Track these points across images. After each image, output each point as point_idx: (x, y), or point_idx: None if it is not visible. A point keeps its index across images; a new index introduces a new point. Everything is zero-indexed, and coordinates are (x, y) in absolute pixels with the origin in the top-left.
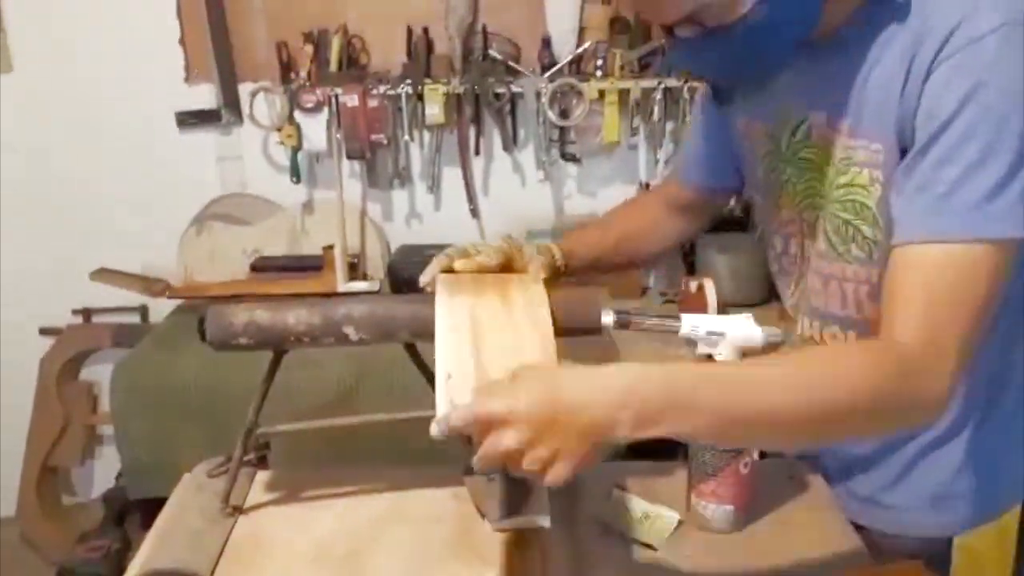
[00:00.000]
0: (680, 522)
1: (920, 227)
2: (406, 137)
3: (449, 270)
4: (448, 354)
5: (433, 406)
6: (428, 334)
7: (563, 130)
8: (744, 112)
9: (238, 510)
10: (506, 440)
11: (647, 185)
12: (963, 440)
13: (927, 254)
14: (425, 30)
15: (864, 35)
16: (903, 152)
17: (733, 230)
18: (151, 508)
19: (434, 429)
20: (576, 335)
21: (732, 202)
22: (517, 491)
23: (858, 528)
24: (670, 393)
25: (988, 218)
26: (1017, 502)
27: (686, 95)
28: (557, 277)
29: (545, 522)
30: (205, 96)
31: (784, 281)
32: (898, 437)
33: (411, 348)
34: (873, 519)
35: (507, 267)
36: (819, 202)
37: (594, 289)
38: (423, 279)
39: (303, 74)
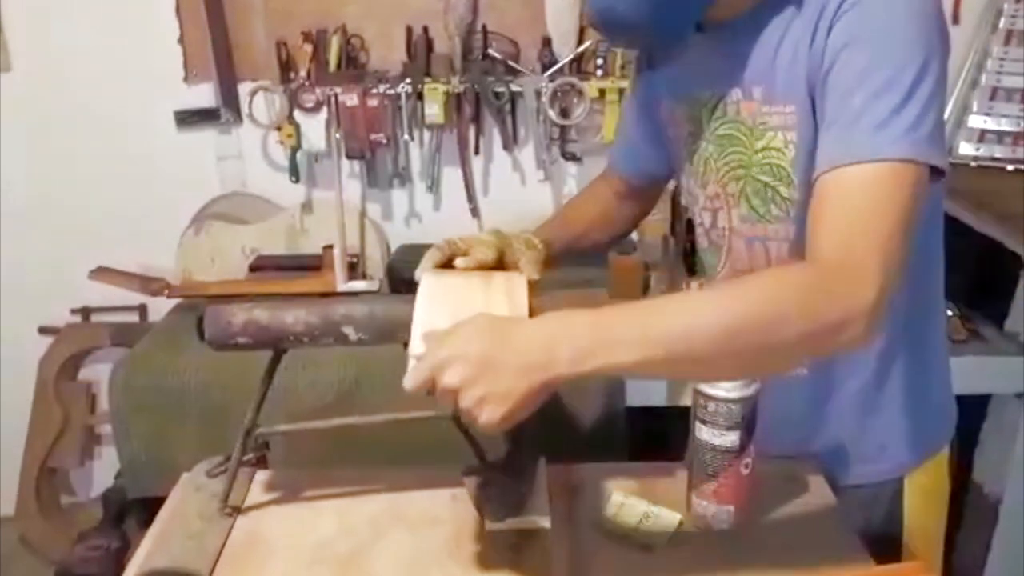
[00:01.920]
0: (680, 522)
1: (831, 157)
2: (406, 136)
3: (447, 264)
4: (422, 316)
5: (432, 407)
6: None
7: (563, 129)
8: (667, 98)
9: (237, 510)
10: (447, 378)
11: None
12: (894, 385)
13: (839, 180)
14: (425, 29)
15: (772, 9)
16: (815, 111)
17: None
18: (150, 508)
19: (405, 384)
20: None
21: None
22: (517, 492)
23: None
24: (596, 328)
25: (890, 139)
26: (948, 438)
27: None
28: (545, 269)
29: (545, 523)
30: (204, 95)
31: (714, 256)
32: (830, 390)
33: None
34: (834, 473)
35: (499, 260)
36: (741, 172)
37: (594, 291)
38: (418, 274)
39: (302, 73)
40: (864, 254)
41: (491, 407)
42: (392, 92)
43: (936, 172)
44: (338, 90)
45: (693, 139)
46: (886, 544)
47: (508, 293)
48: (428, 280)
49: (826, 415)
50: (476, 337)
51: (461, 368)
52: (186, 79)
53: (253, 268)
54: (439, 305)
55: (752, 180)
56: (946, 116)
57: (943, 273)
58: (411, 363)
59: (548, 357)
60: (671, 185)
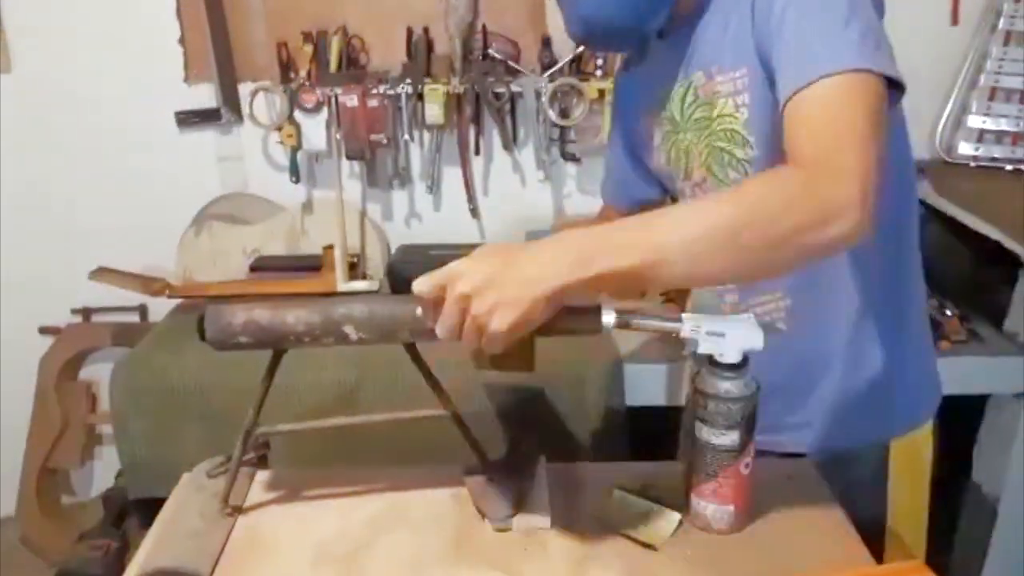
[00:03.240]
0: (680, 521)
1: (790, 84)
2: (406, 137)
3: None
4: None
5: (432, 405)
6: (428, 334)
7: (563, 130)
8: (643, 113)
9: (238, 510)
10: (459, 287)
11: None
12: (875, 346)
13: (802, 101)
14: (425, 30)
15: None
16: (765, 67)
17: None
18: (151, 508)
19: (416, 286)
20: (576, 335)
21: None
22: (518, 491)
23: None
24: (597, 236)
25: (841, 52)
26: (933, 410)
27: None
28: None
29: (545, 522)
30: (205, 96)
31: None
32: (811, 353)
33: (411, 348)
34: (818, 440)
35: None
36: (703, 148)
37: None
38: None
39: (303, 74)
40: (842, 152)
41: (500, 314)
42: (392, 93)
43: (893, 91)
44: (338, 91)
45: (671, 135)
46: (869, 517)
47: None
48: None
49: (808, 380)
50: (486, 255)
51: (471, 279)
52: (187, 79)
53: (254, 268)
54: None
55: (713, 149)
56: (945, 116)
57: (917, 230)
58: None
59: (553, 266)
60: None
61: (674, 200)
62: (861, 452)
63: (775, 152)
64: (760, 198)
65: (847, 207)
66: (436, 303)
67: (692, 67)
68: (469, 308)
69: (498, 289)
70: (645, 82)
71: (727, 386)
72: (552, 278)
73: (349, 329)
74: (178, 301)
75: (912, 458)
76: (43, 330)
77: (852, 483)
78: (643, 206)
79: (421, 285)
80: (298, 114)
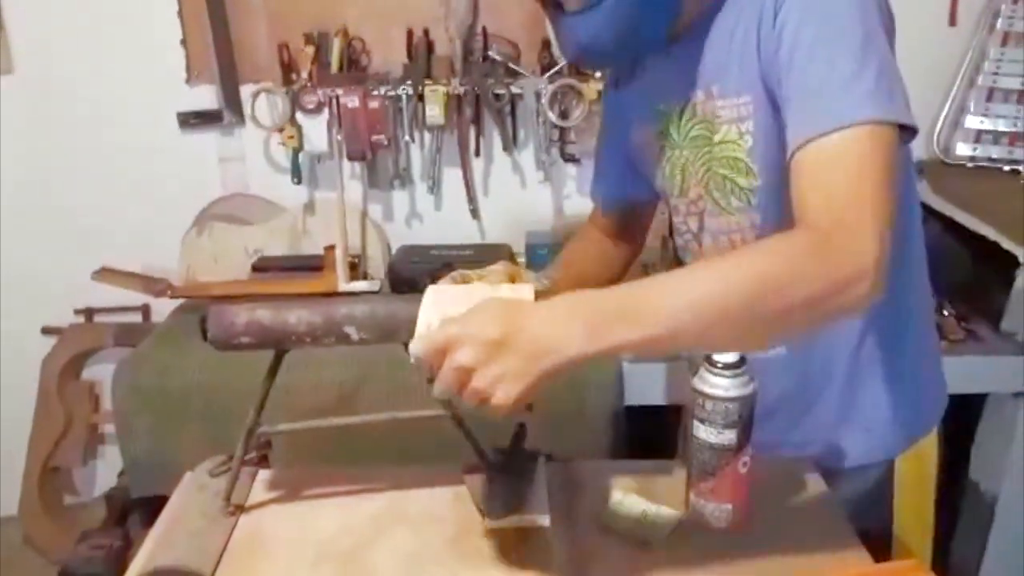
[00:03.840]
0: (679, 520)
1: (801, 132)
2: (406, 138)
3: None
4: (429, 308)
5: (432, 405)
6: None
7: (563, 131)
8: (636, 122)
9: (240, 509)
10: (459, 358)
11: None
12: (876, 359)
13: (814, 153)
14: (426, 31)
15: (721, 8)
16: (771, 97)
17: None
18: (153, 507)
19: (412, 349)
20: None
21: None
22: (517, 490)
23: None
24: (604, 308)
25: (854, 104)
26: (937, 419)
27: None
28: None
29: (545, 521)
30: (206, 97)
31: (689, 258)
32: (813, 369)
33: None
34: (821, 457)
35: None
36: (701, 170)
37: None
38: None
39: (304, 75)
40: (856, 213)
41: (504, 388)
42: (393, 94)
43: (905, 130)
44: (339, 92)
45: (667, 151)
46: (875, 528)
47: (514, 292)
48: (433, 288)
49: (810, 396)
50: (489, 319)
51: (473, 348)
52: (188, 81)
53: (255, 269)
54: (444, 307)
55: (714, 175)
56: (943, 116)
57: (922, 242)
58: (412, 360)
59: (563, 339)
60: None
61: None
62: (866, 466)
63: (778, 181)
64: (774, 267)
65: (862, 273)
66: (433, 369)
67: (691, 85)
68: (469, 380)
69: (502, 362)
70: (640, 95)
71: (725, 384)
72: (561, 351)
73: (350, 329)
74: (180, 301)
75: (918, 466)
76: (46, 330)
77: (857, 496)
78: (636, 207)
79: (417, 348)
80: (299, 115)
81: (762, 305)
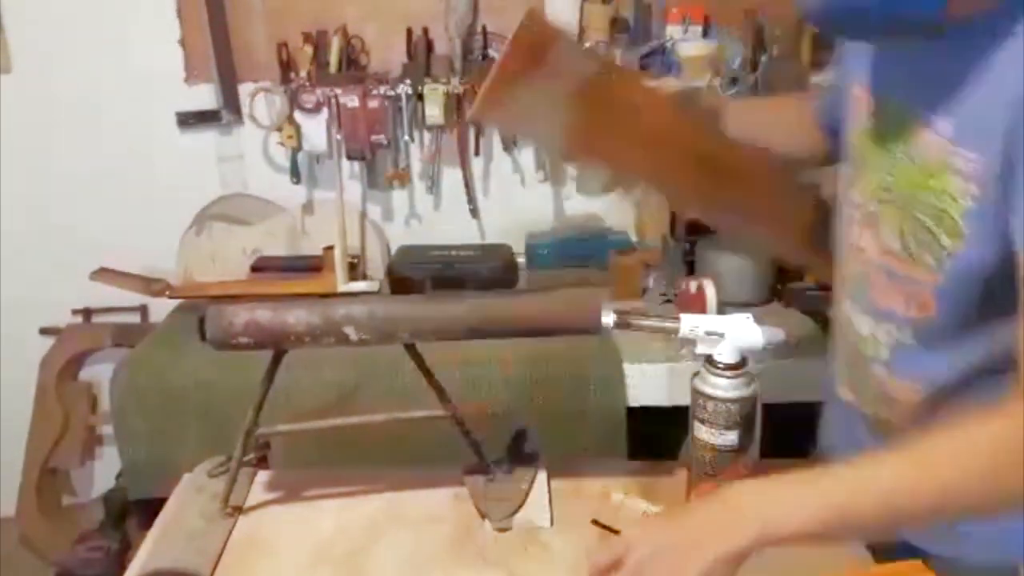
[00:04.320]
0: None
1: None
2: (406, 137)
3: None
4: None
5: (432, 405)
6: (427, 334)
7: None
8: (858, 81)
9: (238, 510)
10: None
11: None
12: None
13: None
14: (425, 30)
15: (997, 40)
16: (1004, 165)
17: None
18: (151, 508)
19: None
20: (576, 335)
21: None
22: (517, 491)
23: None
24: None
25: None
26: None
27: None
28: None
29: (545, 522)
30: (205, 96)
31: (862, 283)
32: None
33: (411, 348)
34: (936, 545)
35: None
36: (898, 198)
37: (594, 290)
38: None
39: (303, 74)
40: None
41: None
42: (392, 93)
43: None
44: (339, 91)
45: (866, 136)
46: None
47: None
48: None
49: None
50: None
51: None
52: (187, 80)
53: (254, 269)
54: None
55: (912, 218)
56: None
57: None
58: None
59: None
60: None
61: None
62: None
63: (982, 255)
64: (991, 474)
65: None
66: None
67: (917, 96)
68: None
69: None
70: (878, 58)
71: (725, 385)
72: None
73: (349, 330)
74: (179, 301)
75: None
76: (44, 330)
77: None
78: (833, 129)
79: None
80: (298, 115)
81: (968, 502)
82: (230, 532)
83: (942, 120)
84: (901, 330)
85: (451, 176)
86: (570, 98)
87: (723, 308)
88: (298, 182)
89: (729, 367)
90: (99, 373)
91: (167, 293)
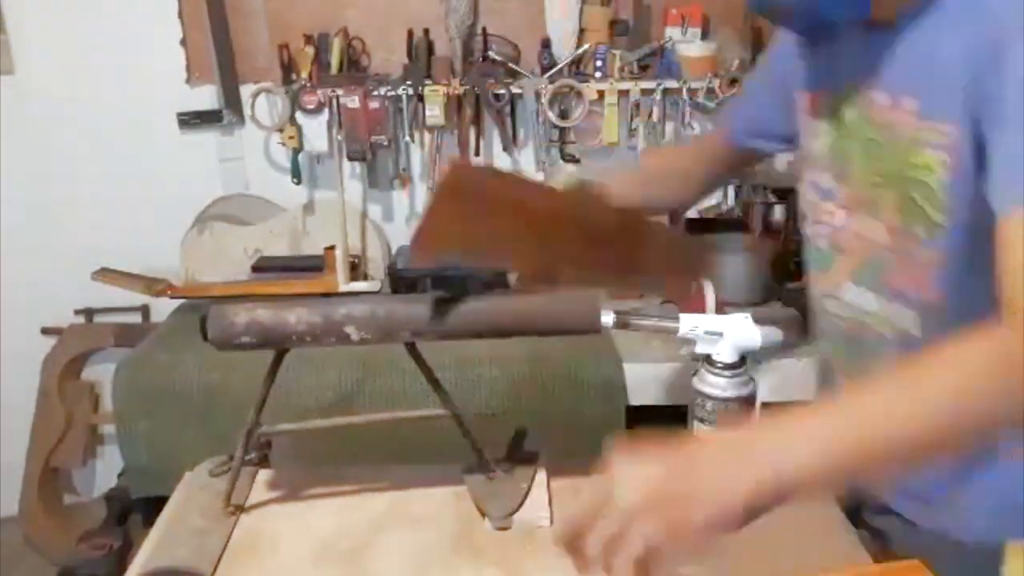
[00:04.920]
0: None
1: (1006, 197)
2: (406, 138)
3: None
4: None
5: (432, 405)
6: (427, 334)
7: (563, 131)
8: (805, 86)
9: (240, 509)
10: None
11: None
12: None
13: (1017, 228)
14: (426, 32)
15: (928, 15)
16: (974, 134)
17: (733, 230)
18: (153, 507)
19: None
20: (576, 335)
21: (732, 201)
22: (518, 490)
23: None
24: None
25: None
26: None
27: (685, 96)
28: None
29: (545, 521)
30: (206, 97)
31: (832, 258)
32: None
33: (412, 348)
34: (931, 520)
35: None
36: (882, 181)
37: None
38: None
39: (304, 75)
40: None
41: (694, 511)
42: (393, 94)
43: None
44: (339, 92)
45: (835, 135)
46: None
47: None
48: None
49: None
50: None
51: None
52: (189, 81)
53: (255, 269)
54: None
55: (901, 195)
56: None
57: None
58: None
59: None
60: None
61: (746, 206)
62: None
63: (965, 229)
64: (988, 384)
65: None
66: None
67: (876, 83)
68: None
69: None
70: (825, 62)
71: (724, 384)
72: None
73: (350, 329)
74: (180, 301)
75: None
76: (46, 330)
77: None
78: (749, 153)
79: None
80: (299, 115)
81: (973, 422)
82: (232, 531)
83: (905, 98)
84: (911, 313)
85: None
86: (493, 219)
87: (722, 308)
88: (299, 182)
89: (728, 367)
90: (101, 373)
91: (169, 293)
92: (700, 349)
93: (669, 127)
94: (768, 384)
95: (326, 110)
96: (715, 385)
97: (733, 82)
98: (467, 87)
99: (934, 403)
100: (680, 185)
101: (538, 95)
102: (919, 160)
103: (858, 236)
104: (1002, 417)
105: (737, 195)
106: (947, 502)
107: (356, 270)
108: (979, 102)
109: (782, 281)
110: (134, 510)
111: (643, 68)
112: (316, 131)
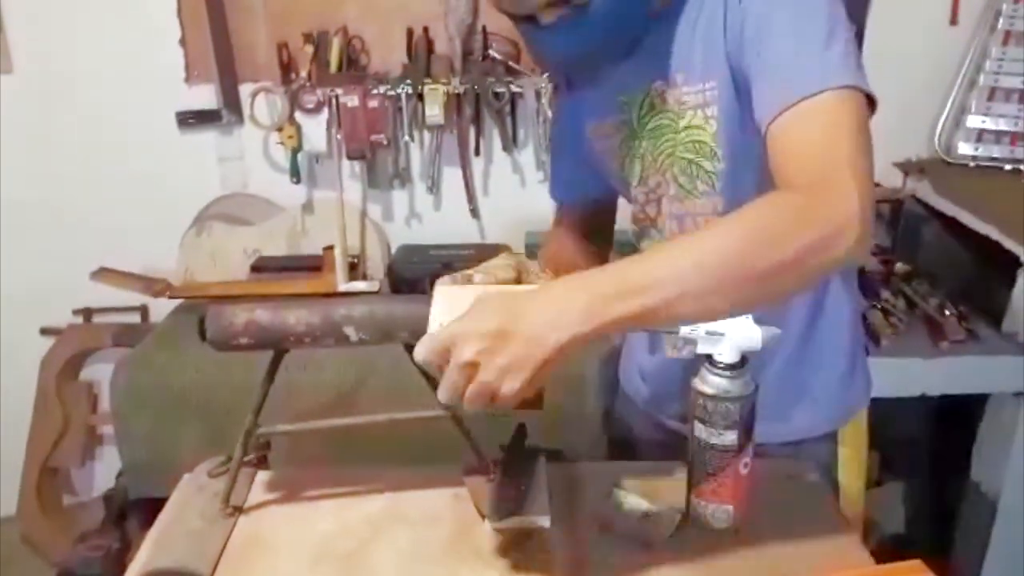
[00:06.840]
0: (679, 521)
1: (775, 103)
2: (406, 137)
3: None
4: (439, 308)
5: (432, 405)
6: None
7: None
8: (591, 117)
9: (238, 510)
10: (462, 354)
11: None
12: (823, 338)
13: (787, 124)
14: (425, 30)
15: (685, 4)
16: (735, 80)
17: None
18: (151, 508)
19: (416, 355)
20: None
21: None
22: (517, 490)
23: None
24: (614, 275)
25: (827, 71)
26: (869, 396)
27: None
28: None
29: (545, 521)
30: (206, 96)
31: (648, 242)
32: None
33: (411, 349)
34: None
35: (517, 280)
36: (664, 159)
37: None
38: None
39: (303, 75)
40: (836, 170)
41: (511, 377)
42: (392, 93)
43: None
44: (339, 91)
45: (626, 142)
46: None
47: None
48: (443, 289)
49: (762, 372)
50: (488, 312)
51: (477, 342)
52: (187, 80)
53: (254, 269)
54: (454, 306)
55: (678, 159)
56: (944, 116)
57: None
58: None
59: (563, 317)
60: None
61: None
62: (814, 442)
63: (743, 164)
64: (763, 224)
65: (849, 224)
66: (439, 368)
67: (654, 75)
68: (475, 374)
69: (505, 352)
70: (599, 90)
71: (726, 385)
72: (563, 331)
73: (349, 330)
74: (179, 302)
75: (854, 443)
76: (44, 331)
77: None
78: (596, 204)
79: (420, 352)
80: (298, 115)
81: (757, 260)
82: (230, 532)
83: (675, 76)
84: None
85: (451, 176)
86: None
87: None
88: (298, 182)
89: (729, 367)
90: (99, 373)
91: (167, 293)
92: (700, 349)
93: None
94: None
95: (325, 109)
96: (716, 385)
97: None
98: (467, 86)
99: (725, 233)
100: (590, 255)
101: (538, 94)
102: (687, 122)
103: (662, 218)
104: (782, 245)
105: None
106: (778, 405)
107: (355, 270)
108: (734, 49)
109: None
110: (132, 511)
111: None
112: (315, 130)
